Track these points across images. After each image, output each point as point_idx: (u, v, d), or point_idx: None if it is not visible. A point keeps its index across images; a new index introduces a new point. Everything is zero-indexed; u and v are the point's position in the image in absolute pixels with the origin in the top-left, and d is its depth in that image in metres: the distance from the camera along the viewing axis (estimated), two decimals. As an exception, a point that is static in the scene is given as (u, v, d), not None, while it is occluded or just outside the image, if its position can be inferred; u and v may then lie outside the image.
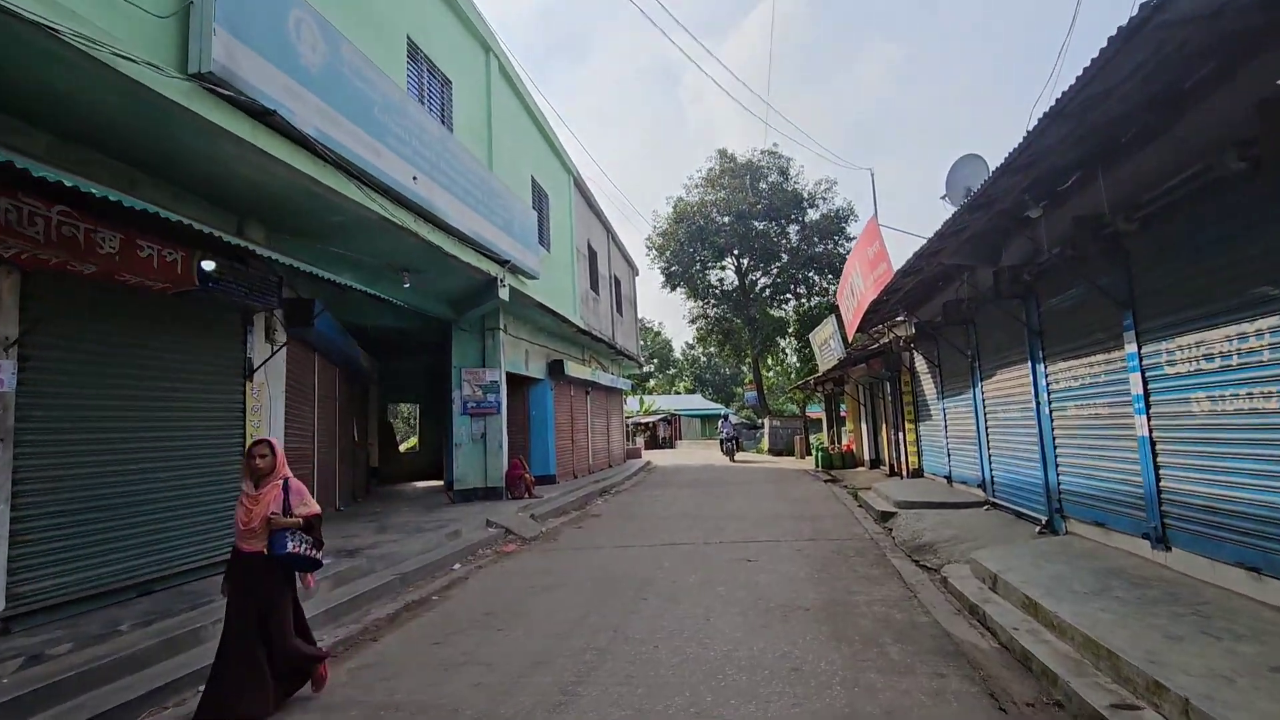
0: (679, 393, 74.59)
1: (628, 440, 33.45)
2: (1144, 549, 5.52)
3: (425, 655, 5.02)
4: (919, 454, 13.54)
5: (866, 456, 18.71)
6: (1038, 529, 7.42)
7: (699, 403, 63.68)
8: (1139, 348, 5.45)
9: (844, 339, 15.13)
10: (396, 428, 28.77)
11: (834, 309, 17.90)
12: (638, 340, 26.05)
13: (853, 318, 12.14)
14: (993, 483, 9.26)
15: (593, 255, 19.11)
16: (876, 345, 14.34)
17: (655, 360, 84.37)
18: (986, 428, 9.36)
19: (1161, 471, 5.28)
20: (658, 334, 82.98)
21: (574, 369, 16.93)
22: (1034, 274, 7.13)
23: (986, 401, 9.32)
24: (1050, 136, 4.86)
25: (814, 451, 20.75)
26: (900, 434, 14.60)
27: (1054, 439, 7.20)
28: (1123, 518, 5.89)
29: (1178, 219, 4.86)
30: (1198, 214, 4.66)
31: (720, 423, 19.36)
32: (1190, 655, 3.55)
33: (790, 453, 28.64)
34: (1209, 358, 4.62)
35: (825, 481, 16.26)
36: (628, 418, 48.54)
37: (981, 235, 7.67)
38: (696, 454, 34.89)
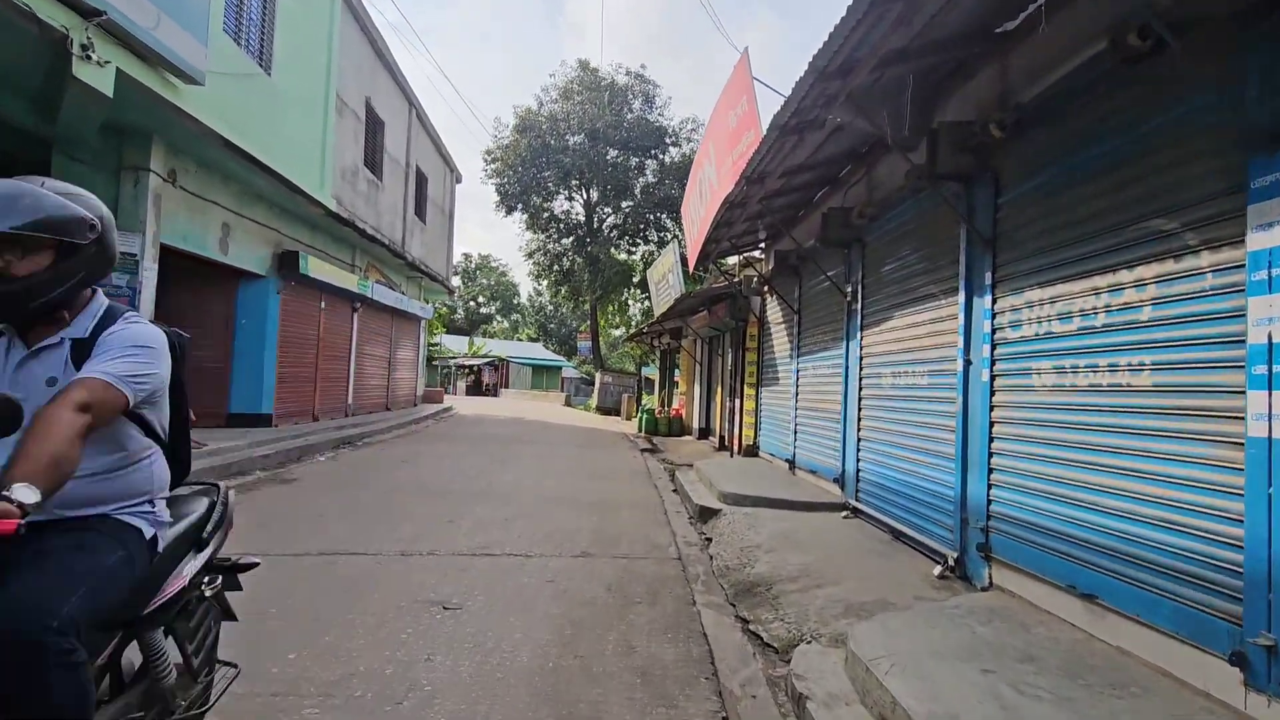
0: (522, 340, 69.78)
1: (430, 381, 28.78)
2: (1228, 682, 2.52)
3: None
4: (756, 427, 10.72)
5: (696, 425, 15.95)
6: (939, 569, 4.45)
7: (538, 352, 59.48)
8: (1305, 232, 2.33)
9: (685, 273, 11.86)
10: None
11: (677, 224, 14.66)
12: (450, 259, 21.25)
13: (699, 233, 8.74)
14: (858, 479, 6.34)
15: (375, 123, 14.04)
16: (724, 284, 11.21)
17: (498, 302, 78.54)
18: (860, 398, 6.38)
19: (1320, 523, 2.25)
20: (503, 274, 77.07)
21: (321, 270, 12.06)
22: (1008, 125, 3.96)
23: (866, 360, 6.32)
24: None
25: (640, 413, 17.75)
26: (737, 401, 11.74)
27: (990, 423, 4.19)
28: (1159, 599, 2.89)
29: None
30: None
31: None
32: None
33: (618, 412, 25.71)
34: None
35: (643, 451, 13.13)
36: (448, 357, 43.14)
37: (925, 55, 4.39)
38: (517, 404, 30.98)
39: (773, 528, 5.96)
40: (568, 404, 32.92)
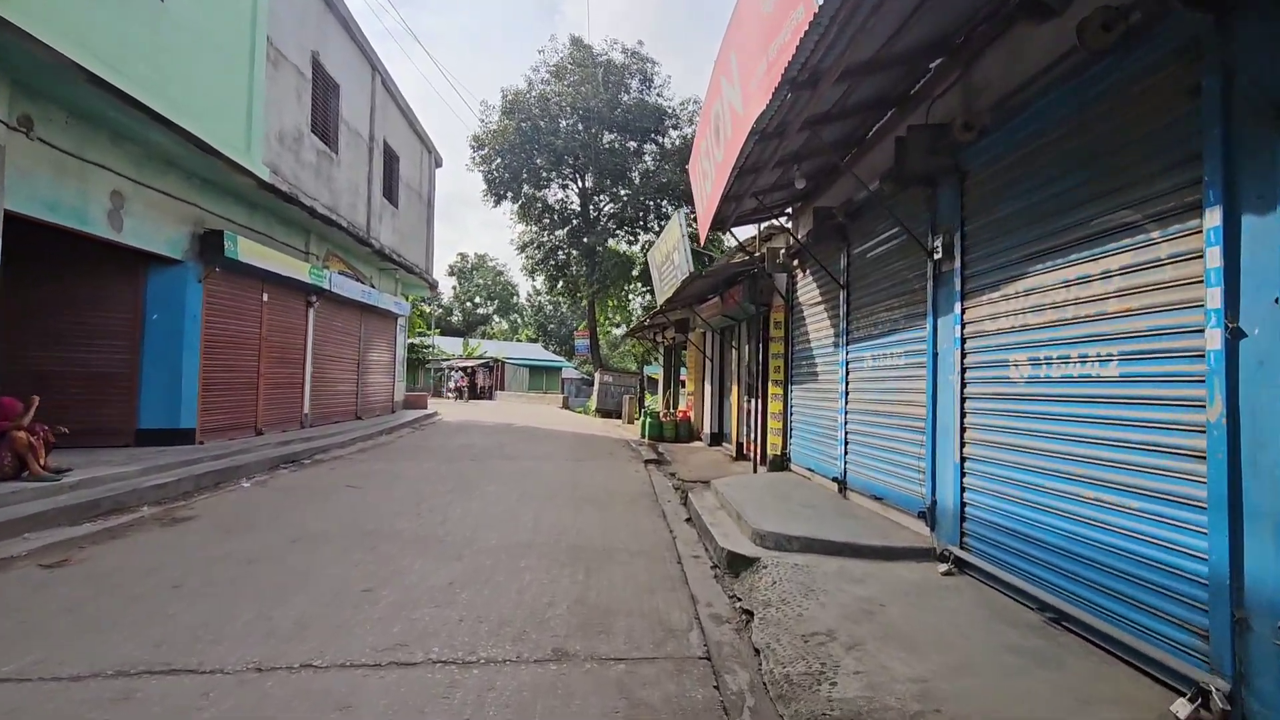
0: (521, 341, 67.81)
1: (418, 384, 26.93)
2: None
3: None
4: (785, 434, 8.72)
5: (707, 429, 13.95)
6: (1187, 707, 2.45)
7: (536, 352, 57.56)
8: None
9: (694, 251, 9.86)
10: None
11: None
12: (430, 250, 19.29)
13: (714, 188, 6.73)
14: (963, 516, 4.34)
15: (326, 84, 12.06)
16: (741, 262, 9.22)
17: (495, 302, 76.66)
18: (964, 397, 4.38)
19: None
20: (500, 273, 75.12)
21: (259, 255, 10.08)
22: None
23: (973, 341, 4.32)
24: None
25: (644, 416, 15.77)
26: (759, 402, 9.77)
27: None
28: None
29: None
30: None
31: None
32: None
33: (619, 415, 23.73)
34: None
35: (647, 463, 11.13)
36: (440, 359, 41.18)
37: None
38: (511, 408, 29.00)
39: (844, 595, 3.98)
40: (565, 406, 30.96)
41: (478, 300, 76.01)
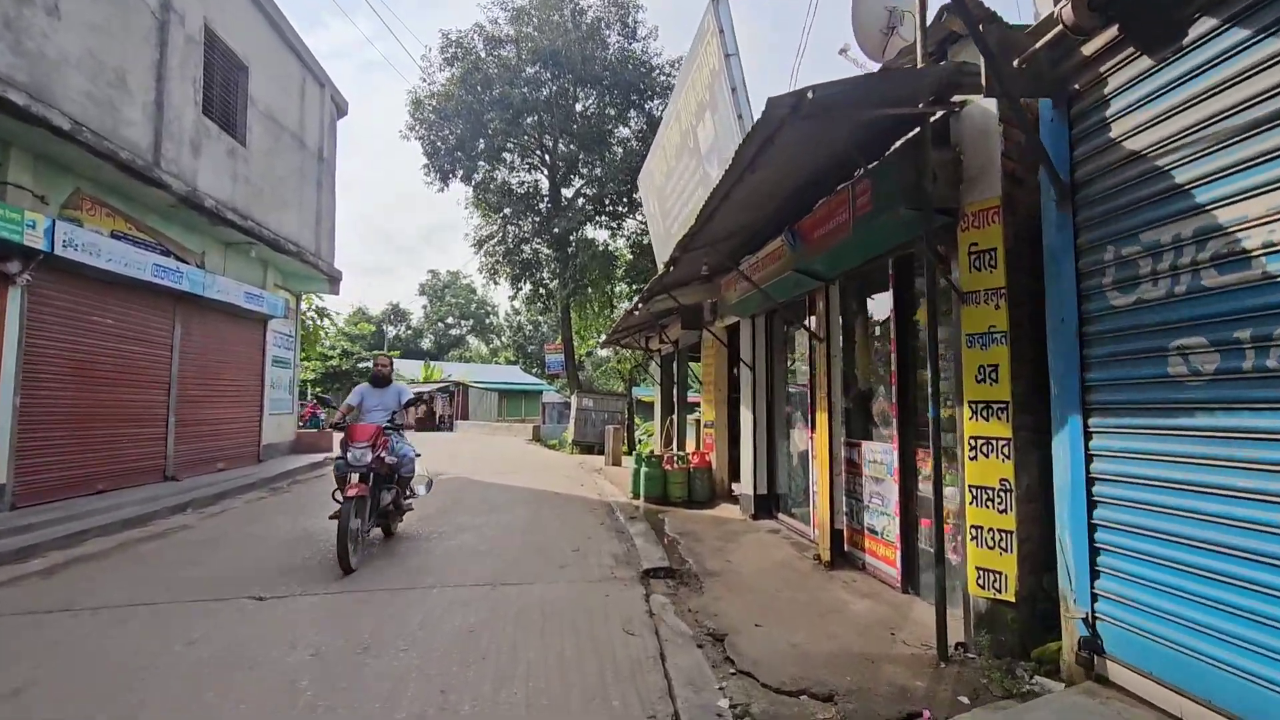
0: (500, 364, 61.53)
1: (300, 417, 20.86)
2: None
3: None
4: (1072, 559, 2.98)
5: (747, 486, 8.11)
6: None
7: (510, 374, 51.36)
8: None
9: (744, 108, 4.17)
10: None
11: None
12: (326, 226, 13.49)
13: None
14: None
15: None
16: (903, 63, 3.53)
17: (469, 321, 70.74)
18: None
19: None
20: (474, 291, 69.14)
21: None
22: None
23: None
24: None
25: (636, 461, 9.99)
26: (913, 457, 4.04)
27: None
28: None
29: None
30: None
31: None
32: None
33: (602, 450, 17.84)
34: None
35: (649, 579, 5.31)
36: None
37: None
38: (464, 444, 22.87)
39: None
40: (536, 439, 24.94)
41: (450, 321, 69.79)
